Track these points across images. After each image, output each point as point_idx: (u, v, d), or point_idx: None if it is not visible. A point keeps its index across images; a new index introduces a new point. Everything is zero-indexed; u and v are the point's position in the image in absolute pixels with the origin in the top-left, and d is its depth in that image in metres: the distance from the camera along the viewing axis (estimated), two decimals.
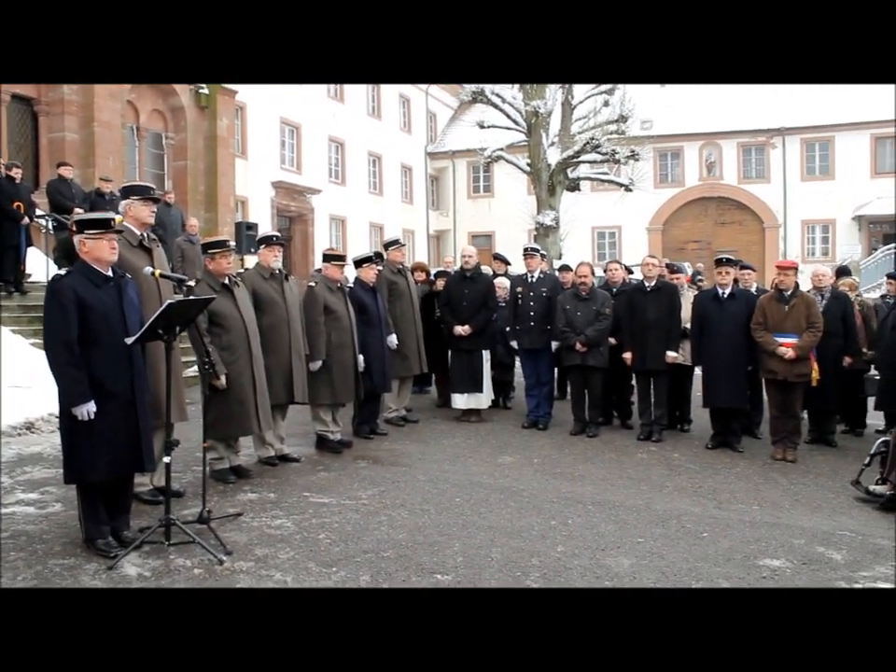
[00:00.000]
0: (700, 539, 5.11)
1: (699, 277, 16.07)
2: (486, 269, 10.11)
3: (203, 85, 18.52)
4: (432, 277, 10.38)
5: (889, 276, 8.77)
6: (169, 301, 4.51)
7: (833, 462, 7.41)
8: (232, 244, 6.49)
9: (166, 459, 4.58)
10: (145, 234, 5.37)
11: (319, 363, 7.09)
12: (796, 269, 7.81)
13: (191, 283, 4.89)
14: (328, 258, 7.61)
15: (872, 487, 6.08)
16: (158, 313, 4.39)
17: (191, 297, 4.77)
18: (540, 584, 4.24)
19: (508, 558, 4.64)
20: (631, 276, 10.14)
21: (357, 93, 29.05)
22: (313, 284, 7.38)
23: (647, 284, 8.26)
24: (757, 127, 30.68)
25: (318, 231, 26.60)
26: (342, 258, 7.66)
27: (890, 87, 28.84)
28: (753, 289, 8.64)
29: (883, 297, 9.35)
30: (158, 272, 5.00)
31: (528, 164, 18.75)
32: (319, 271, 8.07)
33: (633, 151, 18.69)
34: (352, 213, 28.74)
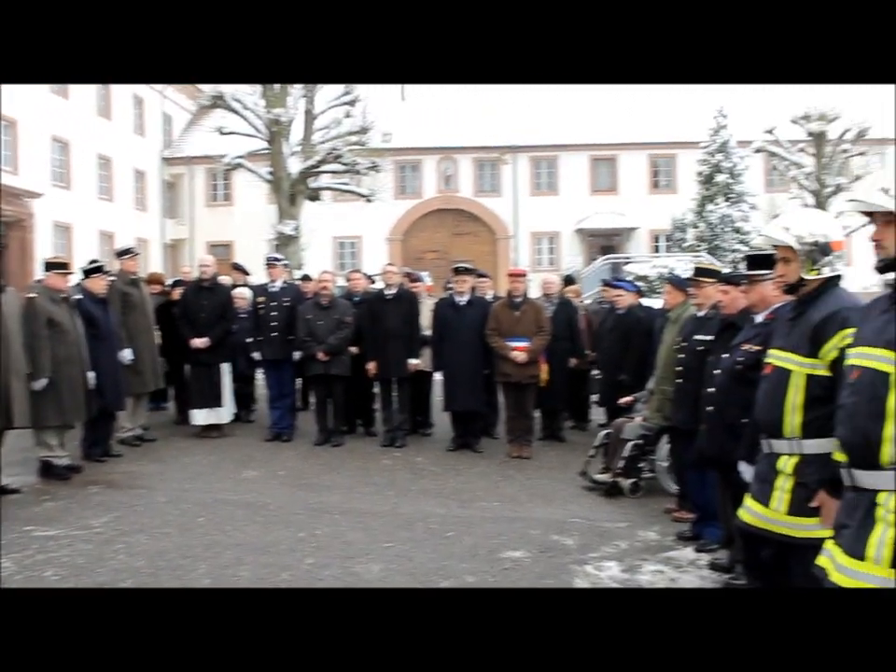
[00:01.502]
0: (446, 539, 5.29)
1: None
2: (225, 279, 9.84)
3: None
4: (168, 286, 9.95)
5: (604, 283, 9.57)
6: None
7: (564, 456, 7.98)
8: None
9: None
10: None
11: (44, 381, 6.52)
12: (525, 275, 8.35)
13: None
14: (50, 266, 7.04)
15: (596, 476, 6.63)
16: None
17: None
18: None
19: (257, 575, 4.54)
20: (373, 286, 10.29)
21: (84, 90, 27.00)
22: (33, 295, 6.78)
23: (387, 292, 8.43)
24: (490, 144, 32.37)
25: (40, 239, 24.42)
26: (65, 265, 7.11)
27: (608, 111, 31.51)
28: (489, 297, 9.10)
29: (600, 302, 10.20)
30: None
31: (269, 173, 18.48)
32: (40, 281, 7.43)
33: (374, 163, 19.02)
34: (79, 219, 26.72)
